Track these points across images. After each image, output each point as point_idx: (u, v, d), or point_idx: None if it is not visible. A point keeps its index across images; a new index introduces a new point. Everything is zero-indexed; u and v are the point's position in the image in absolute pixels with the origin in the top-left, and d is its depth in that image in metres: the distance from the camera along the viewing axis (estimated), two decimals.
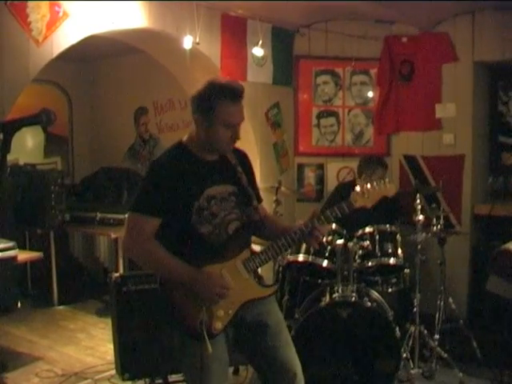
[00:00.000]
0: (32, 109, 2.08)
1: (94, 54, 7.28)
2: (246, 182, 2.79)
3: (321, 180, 6.17)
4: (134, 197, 2.66)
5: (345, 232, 4.46)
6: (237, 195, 2.76)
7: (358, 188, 2.77)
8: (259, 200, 2.91)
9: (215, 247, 2.66)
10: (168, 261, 2.59)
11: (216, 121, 2.59)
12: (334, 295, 4.09)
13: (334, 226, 4.36)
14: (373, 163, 5.22)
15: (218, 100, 2.58)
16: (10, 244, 4.44)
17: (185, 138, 2.76)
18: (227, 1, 5.02)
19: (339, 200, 5.22)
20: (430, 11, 5.27)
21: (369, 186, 2.76)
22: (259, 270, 2.78)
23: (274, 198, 4.92)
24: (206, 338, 2.52)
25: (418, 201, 4.38)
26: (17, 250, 4.50)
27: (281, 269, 4.79)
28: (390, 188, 2.81)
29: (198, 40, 4.81)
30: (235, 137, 2.66)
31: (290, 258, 4.47)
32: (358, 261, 4.38)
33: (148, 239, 2.59)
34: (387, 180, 2.83)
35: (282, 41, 5.84)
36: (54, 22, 4.06)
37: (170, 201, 2.58)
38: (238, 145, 2.77)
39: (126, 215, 2.66)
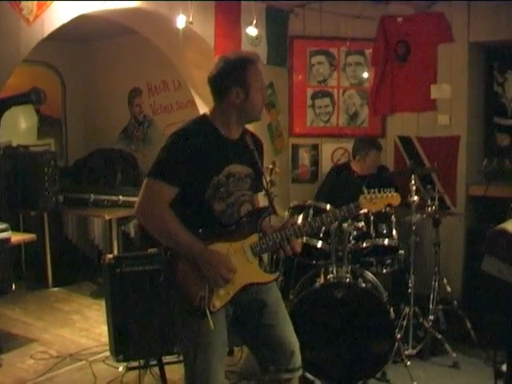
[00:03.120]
0: (24, 90, 2.06)
1: (87, 34, 7.24)
2: (261, 168, 2.85)
3: (315, 161, 6.14)
4: (154, 163, 2.61)
5: None
6: (252, 178, 2.80)
7: (366, 193, 2.89)
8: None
9: (226, 226, 2.68)
10: (180, 232, 2.56)
11: (252, 87, 2.66)
12: (329, 276, 4.09)
13: (328, 207, 4.36)
14: (367, 145, 5.23)
15: (246, 66, 2.66)
16: (4, 226, 4.43)
17: (208, 113, 2.76)
18: None
19: (334, 183, 5.29)
20: None
21: (377, 192, 2.90)
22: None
23: (269, 178, 4.89)
24: (209, 314, 2.52)
25: (413, 182, 4.38)
26: (10, 231, 4.49)
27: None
28: (397, 197, 2.97)
29: (191, 20, 4.74)
30: (264, 100, 2.77)
31: None
32: (353, 242, 4.37)
33: (163, 207, 2.57)
34: (393, 189, 2.96)
35: (276, 21, 5.78)
36: (44, 1, 4.00)
37: (189, 171, 2.57)
38: None
39: (144, 181, 2.61)
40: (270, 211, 2.83)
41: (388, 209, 4.50)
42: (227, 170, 2.66)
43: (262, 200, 3.02)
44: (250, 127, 2.94)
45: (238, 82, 2.64)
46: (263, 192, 2.95)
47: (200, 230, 2.61)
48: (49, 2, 4.01)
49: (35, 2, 3.95)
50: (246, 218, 2.73)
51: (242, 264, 2.66)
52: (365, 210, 4.40)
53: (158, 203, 2.56)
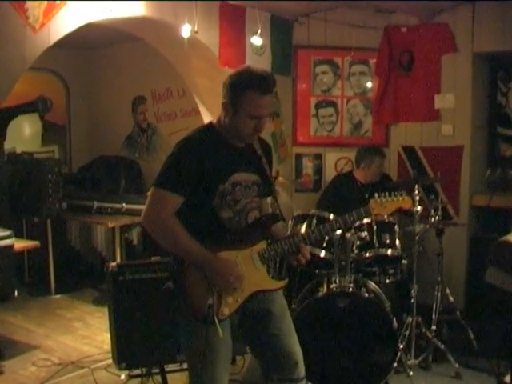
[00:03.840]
0: (29, 97, 2.08)
1: (92, 41, 7.25)
2: (269, 173, 2.83)
3: (319, 170, 6.15)
4: (159, 172, 2.62)
5: None
6: (259, 185, 2.79)
7: (377, 197, 2.84)
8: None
9: (233, 234, 2.67)
10: (187, 240, 2.57)
11: (241, 110, 2.59)
12: (332, 286, 4.09)
13: (331, 216, 4.35)
14: (371, 152, 5.24)
15: (246, 90, 2.56)
16: (7, 232, 4.44)
17: (215, 121, 2.75)
18: None
19: (337, 191, 5.29)
20: (430, 1, 5.23)
21: (387, 195, 2.84)
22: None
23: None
24: (217, 322, 2.54)
25: (417, 192, 4.37)
26: (14, 238, 4.49)
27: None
28: (408, 200, 2.89)
29: (196, 28, 4.76)
30: (258, 129, 2.65)
31: None
32: (356, 251, 4.37)
33: (169, 216, 2.57)
34: (404, 193, 2.89)
35: (280, 30, 5.80)
36: (51, 9, 4.02)
37: (195, 180, 2.57)
38: None
39: (150, 190, 2.63)
40: (278, 218, 2.83)
41: (391, 219, 4.51)
42: (232, 179, 2.65)
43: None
44: None
45: (231, 99, 2.61)
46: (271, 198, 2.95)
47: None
48: (58, 2, 4.02)
49: (44, 3, 3.96)
50: (254, 225, 2.72)
51: (251, 271, 2.66)
52: (368, 220, 4.45)
53: (163, 212, 2.56)
